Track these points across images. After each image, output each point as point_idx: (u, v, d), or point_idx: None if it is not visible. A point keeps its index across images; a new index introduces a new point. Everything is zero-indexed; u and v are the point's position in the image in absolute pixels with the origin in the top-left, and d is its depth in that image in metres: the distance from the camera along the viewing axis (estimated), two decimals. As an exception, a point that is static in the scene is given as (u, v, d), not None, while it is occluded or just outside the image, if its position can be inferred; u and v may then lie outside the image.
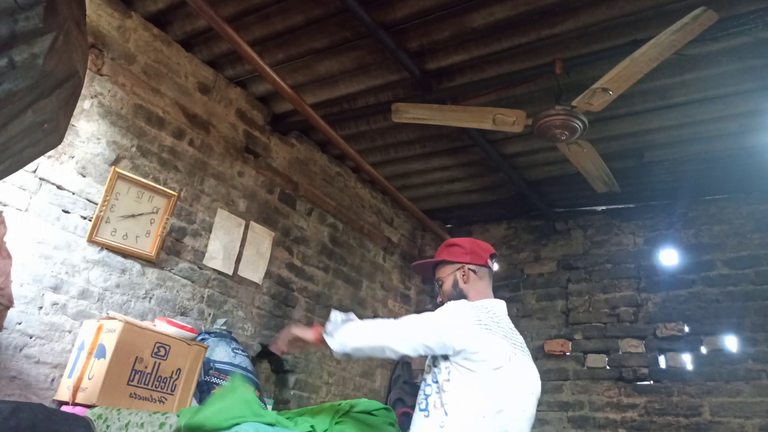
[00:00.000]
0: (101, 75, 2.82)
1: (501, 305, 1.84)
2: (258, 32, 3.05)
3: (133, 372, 2.23)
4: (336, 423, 1.83)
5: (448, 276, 1.90)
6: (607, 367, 4.10)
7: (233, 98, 3.56)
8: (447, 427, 1.56)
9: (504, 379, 1.61)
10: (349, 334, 1.68)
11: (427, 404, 1.64)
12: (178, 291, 3.05)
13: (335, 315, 1.74)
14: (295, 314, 3.80)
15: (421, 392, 1.69)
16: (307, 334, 1.78)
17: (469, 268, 1.87)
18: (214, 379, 2.63)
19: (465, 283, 1.86)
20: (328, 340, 1.70)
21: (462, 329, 1.62)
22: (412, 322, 1.69)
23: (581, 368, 4.19)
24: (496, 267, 1.98)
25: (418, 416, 1.66)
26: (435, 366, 1.68)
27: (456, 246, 1.93)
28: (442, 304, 1.83)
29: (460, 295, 1.85)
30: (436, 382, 1.64)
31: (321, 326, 1.76)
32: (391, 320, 1.70)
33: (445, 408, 1.58)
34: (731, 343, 3.72)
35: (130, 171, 2.87)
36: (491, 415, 1.56)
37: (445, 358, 1.65)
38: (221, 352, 2.76)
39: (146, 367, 2.27)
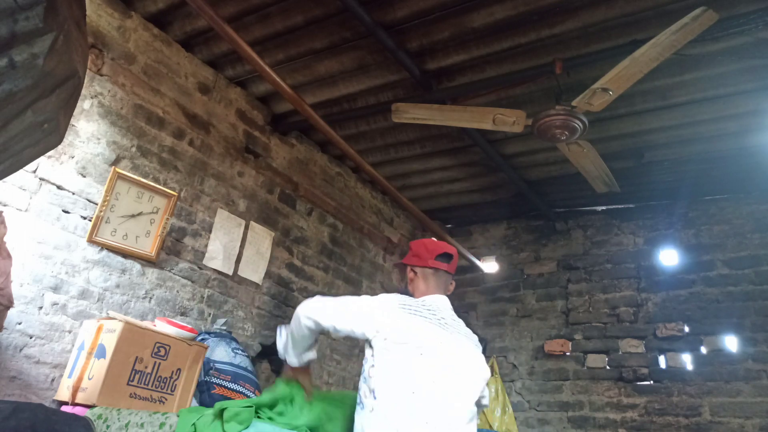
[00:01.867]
0: (101, 75, 2.82)
1: (441, 300, 1.93)
2: (258, 32, 3.05)
3: (133, 372, 2.23)
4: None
5: (404, 276, 2.05)
6: (607, 367, 4.10)
7: (233, 98, 3.56)
8: (376, 409, 1.60)
9: (431, 359, 1.67)
10: (281, 341, 1.92)
11: (360, 398, 1.69)
12: (178, 291, 3.05)
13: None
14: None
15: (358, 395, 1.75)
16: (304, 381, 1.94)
17: (412, 270, 2.01)
18: (214, 379, 2.63)
19: (411, 283, 2.00)
20: (286, 366, 1.93)
21: (380, 313, 1.72)
22: (331, 302, 1.81)
23: (581, 368, 4.19)
24: (446, 266, 2.03)
25: (356, 412, 1.70)
26: (364, 360, 1.75)
27: (409, 249, 2.08)
28: None
29: (409, 295, 1.96)
30: (364, 372, 1.71)
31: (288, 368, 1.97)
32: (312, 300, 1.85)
33: (374, 393, 1.63)
34: (731, 343, 3.72)
35: (130, 171, 2.87)
36: (420, 392, 1.61)
37: (370, 346, 1.71)
38: (221, 352, 2.76)
39: (146, 367, 2.27)
